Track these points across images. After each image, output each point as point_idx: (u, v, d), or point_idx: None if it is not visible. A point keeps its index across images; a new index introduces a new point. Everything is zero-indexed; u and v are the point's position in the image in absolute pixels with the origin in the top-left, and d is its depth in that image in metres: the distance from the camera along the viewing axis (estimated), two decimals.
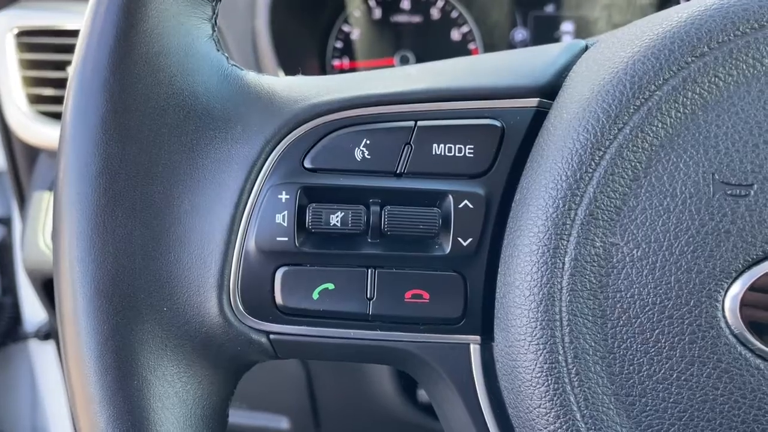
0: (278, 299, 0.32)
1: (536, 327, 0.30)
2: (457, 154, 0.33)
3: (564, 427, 0.30)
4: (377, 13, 0.97)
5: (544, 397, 0.30)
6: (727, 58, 0.30)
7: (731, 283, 0.29)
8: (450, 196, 0.32)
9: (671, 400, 0.29)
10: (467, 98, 0.33)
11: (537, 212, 0.30)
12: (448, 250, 0.32)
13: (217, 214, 0.32)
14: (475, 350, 0.33)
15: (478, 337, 0.33)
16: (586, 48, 0.36)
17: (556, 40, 0.97)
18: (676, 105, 0.30)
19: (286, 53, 0.80)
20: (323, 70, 0.96)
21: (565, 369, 0.29)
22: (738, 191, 0.29)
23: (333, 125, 0.33)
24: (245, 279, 0.32)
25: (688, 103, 0.30)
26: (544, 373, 0.30)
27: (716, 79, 0.30)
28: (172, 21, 0.32)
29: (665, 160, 0.30)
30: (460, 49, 0.97)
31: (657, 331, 0.29)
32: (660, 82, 0.30)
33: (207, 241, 0.32)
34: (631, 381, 0.29)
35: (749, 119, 0.29)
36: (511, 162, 0.33)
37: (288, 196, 0.32)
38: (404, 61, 0.96)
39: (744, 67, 0.30)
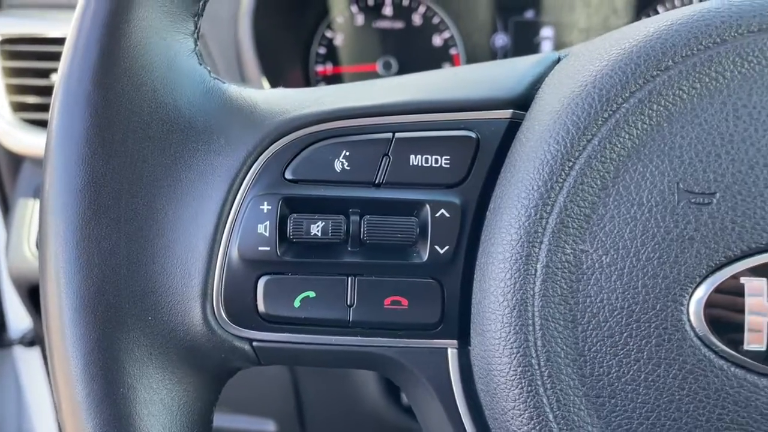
0: (260, 307, 0.33)
1: (510, 332, 0.31)
2: (433, 165, 0.34)
3: (537, 427, 0.31)
4: (360, 19, 0.98)
5: (518, 399, 0.31)
6: (691, 72, 0.31)
7: (695, 288, 0.30)
8: (427, 206, 0.33)
9: (639, 401, 0.30)
10: (443, 110, 0.34)
11: (510, 221, 0.31)
12: (425, 257, 0.33)
13: (200, 225, 0.33)
14: (452, 354, 0.34)
15: (455, 342, 0.34)
16: (559, 60, 0.37)
17: (536, 45, 0.98)
18: (642, 117, 0.31)
19: (270, 61, 0.80)
20: (306, 76, 0.97)
21: (537, 372, 0.31)
22: (701, 199, 0.30)
23: (313, 137, 0.34)
24: (228, 288, 0.33)
25: (654, 115, 0.31)
26: (517, 376, 0.31)
27: (680, 91, 0.31)
28: (154, 36, 0.33)
29: (632, 170, 0.31)
30: (442, 55, 0.98)
31: (625, 335, 0.30)
32: (627, 95, 0.31)
33: (190, 252, 0.32)
34: (601, 382, 0.30)
35: (712, 130, 0.31)
36: (485, 172, 0.34)
37: (270, 207, 0.33)
38: (387, 67, 0.97)
39: (707, 80, 0.31)
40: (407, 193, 0.33)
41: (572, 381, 0.31)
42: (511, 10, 0.99)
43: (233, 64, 0.79)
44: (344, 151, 0.33)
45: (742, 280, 0.30)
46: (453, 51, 0.98)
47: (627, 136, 0.31)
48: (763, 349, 0.30)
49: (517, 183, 0.32)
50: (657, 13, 0.97)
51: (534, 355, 0.31)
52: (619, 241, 0.30)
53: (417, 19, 0.98)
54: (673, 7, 0.97)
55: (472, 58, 0.99)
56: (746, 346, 0.30)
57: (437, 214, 0.33)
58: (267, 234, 0.32)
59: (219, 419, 1.16)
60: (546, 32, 0.98)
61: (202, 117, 0.34)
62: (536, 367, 0.31)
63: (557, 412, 0.30)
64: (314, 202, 0.33)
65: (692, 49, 0.31)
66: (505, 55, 0.99)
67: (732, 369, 0.30)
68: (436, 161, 0.34)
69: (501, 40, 0.99)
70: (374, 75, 0.98)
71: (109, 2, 0.32)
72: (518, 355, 0.31)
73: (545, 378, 0.31)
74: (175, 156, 0.33)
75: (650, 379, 0.30)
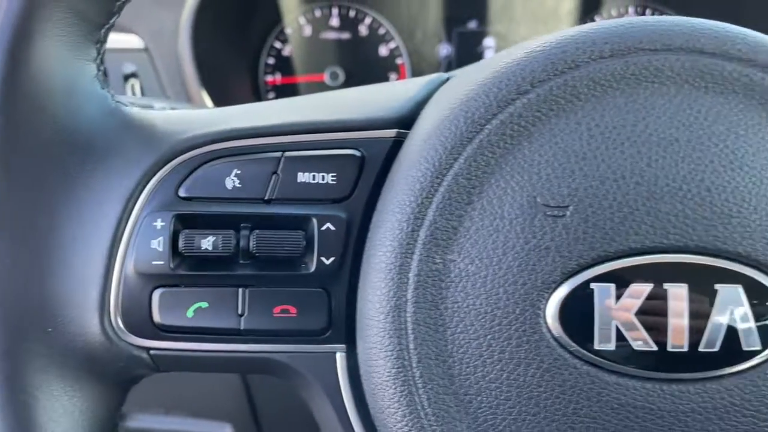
0: (156, 318, 0.35)
1: (385, 336, 0.33)
2: (320, 182, 0.36)
3: (410, 424, 0.33)
4: (308, 30, 1.00)
5: (393, 398, 0.33)
6: (548, 95, 0.34)
7: (551, 293, 0.33)
8: (314, 220, 0.36)
9: (502, 398, 0.33)
10: (330, 130, 0.37)
11: (386, 233, 0.34)
12: (312, 268, 0.36)
13: (97, 240, 0.35)
14: (341, 358, 0.36)
15: (343, 346, 0.36)
16: (447, 80, 0.40)
17: (480, 54, 1.02)
18: (504, 137, 0.34)
19: (213, 74, 0.83)
20: (256, 86, 1.00)
21: (410, 372, 0.33)
22: (556, 212, 0.33)
23: (206, 157, 0.36)
24: (125, 300, 0.35)
25: (515, 134, 0.34)
26: (392, 377, 0.33)
27: (539, 113, 0.34)
28: (55, 63, 0.35)
29: (495, 186, 0.33)
30: (388, 64, 1.01)
31: (489, 337, 0.33)
32: (489, 116, 0.34)
33: (89, 266, 0.35)
34: (468, 381, 0.33)
35: (567, 148, 0.33)
36: (370, 188, 0.36)
37: (163, 224, 0.35)
38: (334, 77, 1.00)
39: (563, 102, 0.34)
40: (295, 208, 0.36)
41: (442, 380, 0.33)
42: (455, 21, 1.02)
43: (177, 78, 0.81)
44: (235, 170, 0.36)
45: (593, 285, 0.32)
46: (399, 61, 1.01)
47: (490, 155, 0.34)
48: (612, 348, 0.32)
49: (393, 199, 0.34)
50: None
51: (407, 358, 0.33)
52: (483, 251, 0.33)
53: (363, 30, 1.01)
54: (610, 16, 1.01)
55: (417, 68, 1.02)
56: (596, 346, 0.32)
57: (323, 228, 0.36)
58: (161, 249, 0.35)
59: (175, 424, 1.16)
60: (488, 42, 1.02)
61: (101, 139, 0.36)
62: (409, 368, 0.33)
63: (428, 410, 0.33)
64: (206, 218, 0.35)
65: (549, 74, 0.34)
66: (450, 65, 1.02)
67: (584, 367, 0.32)
68: (323, 178, 0.36)
69: (445, 49, 1.02)
70: (322, 85, 1.00)
71: (11, 35, 0.34)
72: (392, 357, 0.33)
73: (417, 378, 0.33)
74: (75, 176, 0.35)
75: (511, 378, 0.33)
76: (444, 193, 0.33)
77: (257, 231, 0.35)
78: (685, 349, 0.32)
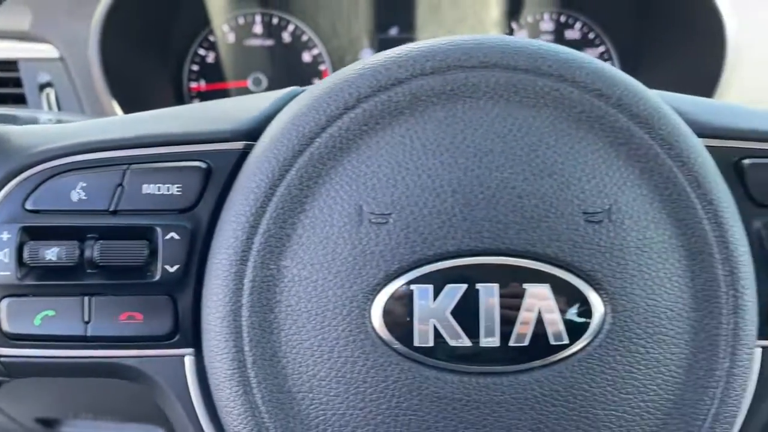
0: (4, 326, 0.37)
1: (221, 339, 0.35)
2: (165, 193, 0.38)
3: (246, 421, 0.35)
4: (231, 37, 1.02)
5: (230, 397, 0.35)
6: (373, 110, 0.36)
7: (376, 295, 0.35)
8: (158, 229, 0.38)
9: (332, 394, 0.35)
10: (177, 143, 0.39)
11: (224, 242, 0.36)
12: (158, 276, 0.37)
13: None
14: (189, 362, 0.38)
15: (192, 350, 0.38)
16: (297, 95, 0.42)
17: None
18: (333, 149, 0.36)
19: (125, 82, 0.84)
20: (179, 93, 1.01)
21: (245, 373, 0.35)
22: (380, 219, 0.35)
23: (54, 170, 0.38)
24: None
25: (343, 147, 0.36)
26: (228, 378, 0.35)
27: (365, 127, 0.36)
28: None
29: (325, 195, 0.36)
30: (311, 71, 1.03)
31: (319, 337, 0.35)
32: (319, 130, 0.36)
33: None
34: (301, 380, 0.35)
35: (391, 159, 0.36)
36: (215, 198, 0.38)
37: (9, 236, 0.36)
38: (257, 83, 1.01)
39: (387, 116, 0.36)
40: (140, 219, 0.38)
41: (276, 379, 0.35)
42: (379, 28, 1.04)
43: (91, 87, 0.82)
44: (81, 183, 0.37)
45: (412, 287, 0.35)
46: (322, 67, 1.03)
47: (320, 166, 0.36)
48: (431, 345, 0.35)
49: (231, 208, 0.36)
50: (512, 30, 1.04)
51: (242, 359, 0.35)
52: (314, 257, 0.35)
53: (286, 37, 1.03)
54: (527, 23, 1.04)
55: None
56: (416, 343, 0.35)
57: (168, 237, 0.37)
58: (7, 260, 0.36)
59: (106, 428, 1.16)
60: None
61: None
62: (244, 368, 0.35)
63: (262, 408, 0.35)
64: (52, 230, 0.37)
65: (374, 90, 0.36)
66: None
67: (405, 363, 0.35)
68: (168, 189, 0.38)
69: (368, 56, 1.04)
70: (245, 91, 1.02)
71: None
72: (228, 359, 0.35)
73: (252, 378, 0.35)
74: None
75: (340, 375, 0.35)
76: (277, 203, 0.36)
77: (101, 241, 0.37)
78: (497, 344, 0.35)
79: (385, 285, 0.35)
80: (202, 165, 0.38)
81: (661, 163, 0.36)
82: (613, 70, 0.37)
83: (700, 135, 0.38)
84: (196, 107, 0.44)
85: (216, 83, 1.02)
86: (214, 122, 0.40)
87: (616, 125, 0.36)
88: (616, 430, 0.35)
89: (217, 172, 0.38)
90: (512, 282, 0.35)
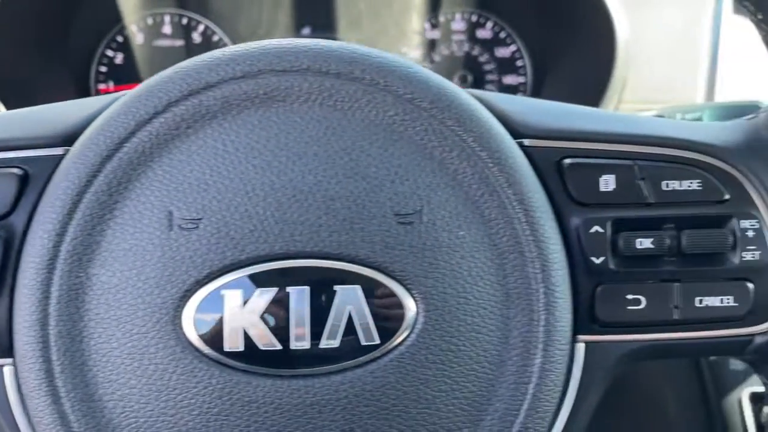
0: None
1: (29, 348, 0.35)
2: None
3: (60, 430, 0.35)
4: (140, 38, 1.00)
5: (39, 407, 0.35)
6: (184, 114, 0.36)
7: (186, 302, 0.35)
8: None
9: (142, 402, 0.35)
10: None
11: (32, 249, 0.35)
12: None
13: None
14: (8, 372, 0.37)
15: (11, 360, 0.37)
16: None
17: None
18: (142, 156, 0.36)
19: (17, 85, 0.82)
20: (86, 95, 0.99)
21: (54, 382, 0.35)
22: (190, 225, 0.35)
23: None
24: None
25: (153, 151, 0.36)
26: (37, 388, 0.35)
27: (175, 131, 0.36)
28: None
29: (135, 201, 0.35)
30: None
31: (129, 345, 0.35)
32: (128, 135, 0.36)
33: None
34: (112, 388, 0.35)
35: (202, 164, 0.36)
36: (32, 205, 0.37)
37: None
38: None
39: (198, 120, 0.36)
40: None
41: (86, 388, 0.35)
42: (292, 28, 1.04)
43: None
44: None
45: (223, 292, 0.35)
46: None
47: (130, 171, 0.35)
48: (241, 349, 0.35)
49: (40, 216, 0.36)
50: (425, 30, 1.04)
51: (50, 369, 0.35)
52: (124, 264, 0.35)
53: (197, 37, 1.02)
54: (438, 23, 1.05)
55: None
56: (226, 348, 0.35)
57: None
58: None
59: None
60: None
61: None
62: (53, 378, 0.35)
63: (71, 417, 0.35)
64: None
65: (184, 94, 0.36)
66: None
67: (215, 369, 0.35)
68: None
69: None
70: None
71: None
72: (35, 368, 0.35)
73: (60, 387, 0.35)
74: None
75: (150, 382, 0.35)
76: (84, 210, 0.35)
77: None
78: (307, 346, 0.35)
79: (195, 291, 0.35)
80: (18, 171, 0.38)
81: (473, 164, 0.36)
82: (426, 73, 0.37)
83: (522, 135, 0.39)
84: (21, 112, 0.43)
85: (125, 84, 1.01)
86: (33, 128, 0.39)
87: (429, 128, 0.36)
88: (430, 428, 0.35)
89: (34, 179, 0.38)
90: (323, 284, 0.35)
